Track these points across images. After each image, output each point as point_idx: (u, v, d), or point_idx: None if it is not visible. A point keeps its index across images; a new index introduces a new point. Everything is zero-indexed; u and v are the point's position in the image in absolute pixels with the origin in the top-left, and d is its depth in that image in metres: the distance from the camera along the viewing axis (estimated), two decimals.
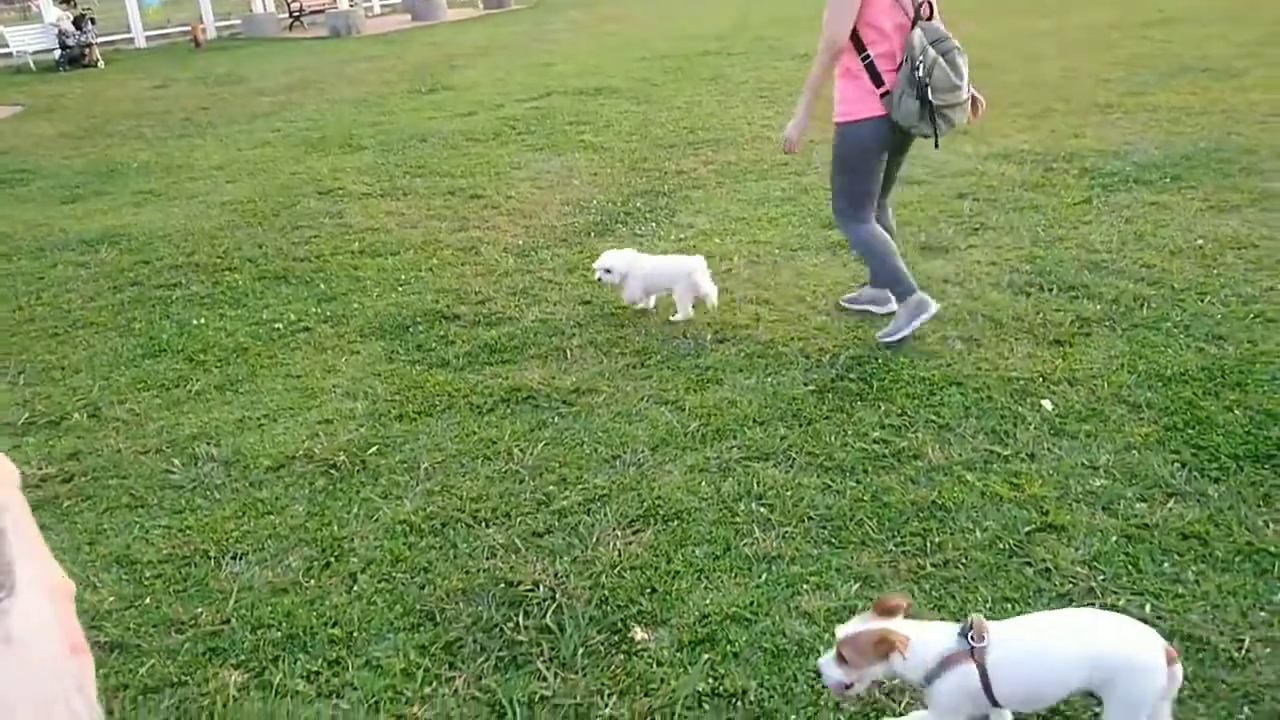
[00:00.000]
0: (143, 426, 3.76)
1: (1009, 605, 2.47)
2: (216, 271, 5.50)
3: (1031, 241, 5.05)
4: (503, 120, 9.33)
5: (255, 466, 3.39)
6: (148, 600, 2.70)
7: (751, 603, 2.53)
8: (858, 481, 3.07)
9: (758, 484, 3.08)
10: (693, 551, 2.75)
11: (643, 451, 3.29)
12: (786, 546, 2.76)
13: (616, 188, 6.88)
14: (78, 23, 17.21)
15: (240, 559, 2.88)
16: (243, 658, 2.46)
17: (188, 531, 3.04)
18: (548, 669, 2.34)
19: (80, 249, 6.11)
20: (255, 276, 5.38)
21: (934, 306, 3.94)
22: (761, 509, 2.95)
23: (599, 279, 4.48)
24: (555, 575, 2.66)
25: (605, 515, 2.93)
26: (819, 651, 2.36)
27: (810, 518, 2.90)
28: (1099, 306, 4.20)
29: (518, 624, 2.49)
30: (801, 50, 12.06)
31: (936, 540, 2.75)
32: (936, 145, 3.87)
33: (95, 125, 10.88)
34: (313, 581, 2.75)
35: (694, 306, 4.47)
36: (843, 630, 1.95)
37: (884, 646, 1.87)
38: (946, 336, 4.02)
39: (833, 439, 3.33)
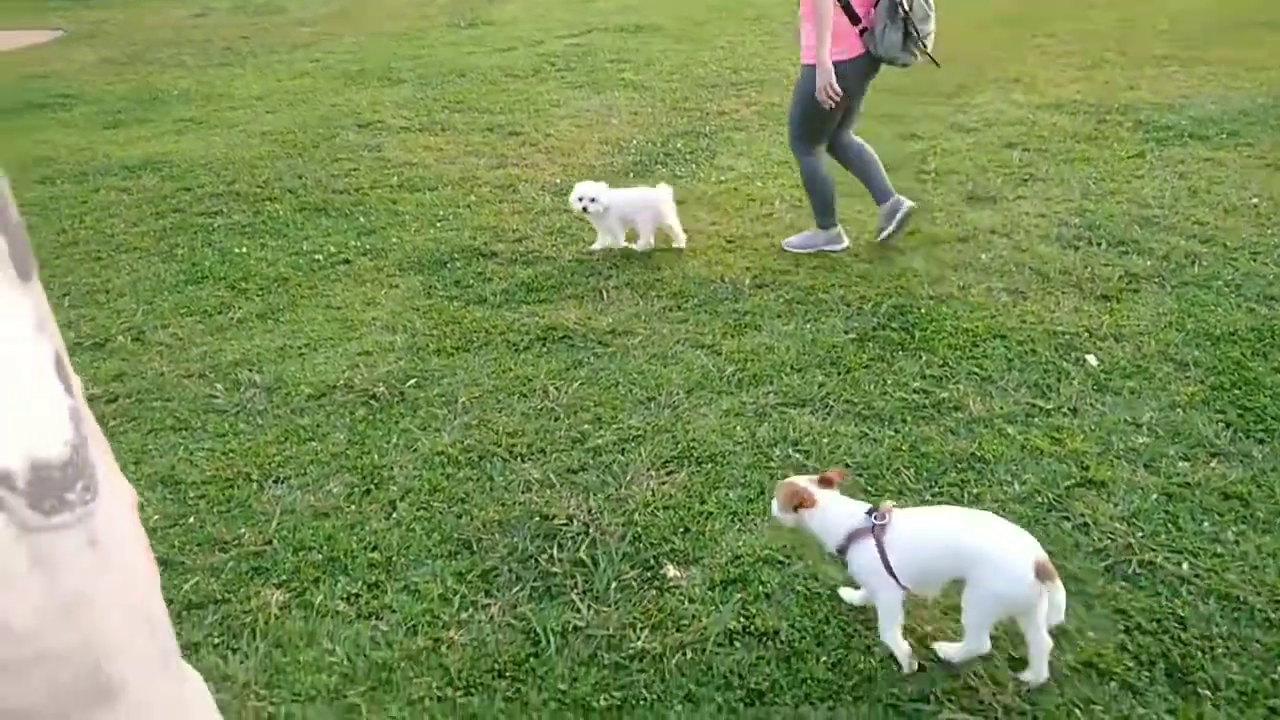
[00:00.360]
0: (185, 351, 3.82)
1: None
2: (257, 201, 5.52)
3: (1081, 194, 4.93)
4: (542, 57, 9.20)
5: (296, 394, 3.43)
6: (192, 519, 2.76)
7: (784, 546, 2.54)
8: (896, 431, 3.05)
9: (794, 430, 3.07)
10: (726, 494, 2.76)
11: (678, 394, 3.29)
12: None
13: (656, 128, 6.79)
14: None
15: (282, 483, 2.93)
16: (284, 578, 2.52)
17: (230, 455, 3.09)
18: (581, 600, 2.37)
19: (123, 174, 6.14)
20: (295, 207, 5.40)
21: (843, 244, 4.47)
22: (797, 455, 2.95)
23: (582, 209, 4.46)
24: (589, 511, 2.69)
25: (639, 455, 2.95)
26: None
27: (846, 465, 2.89)
28: (1149, 263, 4.11)
29: (552, 556, 2.52)
30: None
31: (974, 492, 2.74)
32: (906, 66, 4.10)
33: (136, 52, 10.87)
34: (353, 507, 2.80)
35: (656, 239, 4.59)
36: (786, 480, 2.28)
37: (794, 501, 2.19)
38: (992, 289, 3.96)
39: (871, 388, 3.30)
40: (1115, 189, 4.98)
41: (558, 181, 5.66)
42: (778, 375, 3.42)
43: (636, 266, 4.41)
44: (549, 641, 2.25)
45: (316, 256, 4.67)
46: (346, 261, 4.60)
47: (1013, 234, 4.48)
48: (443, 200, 5.40)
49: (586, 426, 3.11)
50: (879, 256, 4.40)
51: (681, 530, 2.61)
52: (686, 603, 2.37)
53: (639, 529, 2.61)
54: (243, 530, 2.70)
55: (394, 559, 2.56)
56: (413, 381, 3.44)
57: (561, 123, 6.99)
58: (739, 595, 2.38)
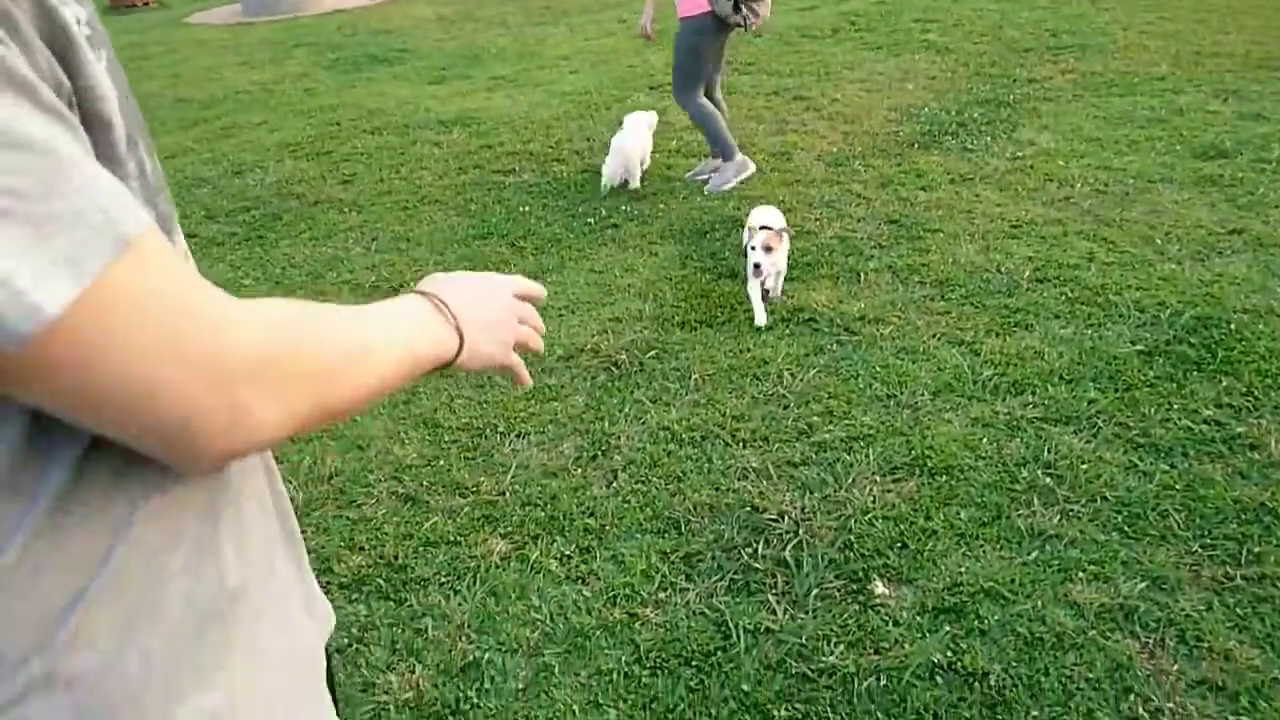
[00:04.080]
0: None
1: None
2: (546, 161, 5.84)
3: None
4: (844, 15, 8.88)
5: (549, 354, 3.62)
6: (442, 462, 3.02)
7: (1013, 580, 2.33)
8: (1172, 465, 2.68)
9: (1049, 450, 2.78)
10: (956, 513, 2.57)
11: (922, 394, 3.09)
12: (1068, 526, 2.49)
13: (954, 94, 6.34)
14: None
15: (523, 438, 3.12)
16: (509, 530, 2.69)
17: (484, 405, 3.34)
18: (778, 603, 2.32)
19: (438, 129, 6.74)
20: (579, 169, 5.65)
21: (751, 167, 5.14)
22: (1048, 479, 2.67)
23: None
24: (802, 510, 2.61)
25: (867, 457, 2.81)
26: (1081, 648, 2.14)
27: (1104, 498, 2.58)
28: None
29: (756, 551, 2.49)
30: None
31: (1255, 550, 2.34)
32: (746, 31, 4.84)
33: (467, 9, 11.82)
34: (579, 471, 2.92)
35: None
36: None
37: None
38: None
39: (1152, 411, 2.91)
40: None
41: (835, 150, 5.48)
42: (1042, 385, 3.11)
43: (902, 248, 4.18)
44: (739, 639, 2.23)
45: (589, 219, 4.87)
46: (615, 226, 4.76)
47: None
48: None
49: (815, 419, 3.01)
50: (1190, 256, 3.84)
51: (898, 545, 2.47)
52: (890, 625, 2.24)
53: (852, 537, 2.50)
54: (482, 479, 2.92)
55: (607, 527, 2.65)
56: (653, 352, 3.51)
57: (851, 87, 6.73)
58: (950, 627, 2.22)
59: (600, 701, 2.11)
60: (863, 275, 3.95)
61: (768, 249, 3.68)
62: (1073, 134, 5.41)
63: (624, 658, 2.23)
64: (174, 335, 0.56)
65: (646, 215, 4.85)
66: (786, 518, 2.58)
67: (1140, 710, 1.97)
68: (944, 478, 2.71)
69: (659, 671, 2.18)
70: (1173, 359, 3.17)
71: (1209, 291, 3.54)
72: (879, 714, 2.03)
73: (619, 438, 3.04)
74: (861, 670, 2.12)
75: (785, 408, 3.09)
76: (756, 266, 3.65)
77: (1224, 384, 3.00)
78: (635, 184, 5.21)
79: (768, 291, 3.81)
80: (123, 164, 0.61)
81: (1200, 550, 2.38)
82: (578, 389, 3.36)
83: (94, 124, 0.58)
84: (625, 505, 2.73)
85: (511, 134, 6.46)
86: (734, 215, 4.70)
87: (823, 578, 2.38)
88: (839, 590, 2.35)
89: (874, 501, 2.62)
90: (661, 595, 2.39)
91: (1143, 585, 2.28)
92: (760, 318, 3.66)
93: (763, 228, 3.76)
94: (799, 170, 5.24)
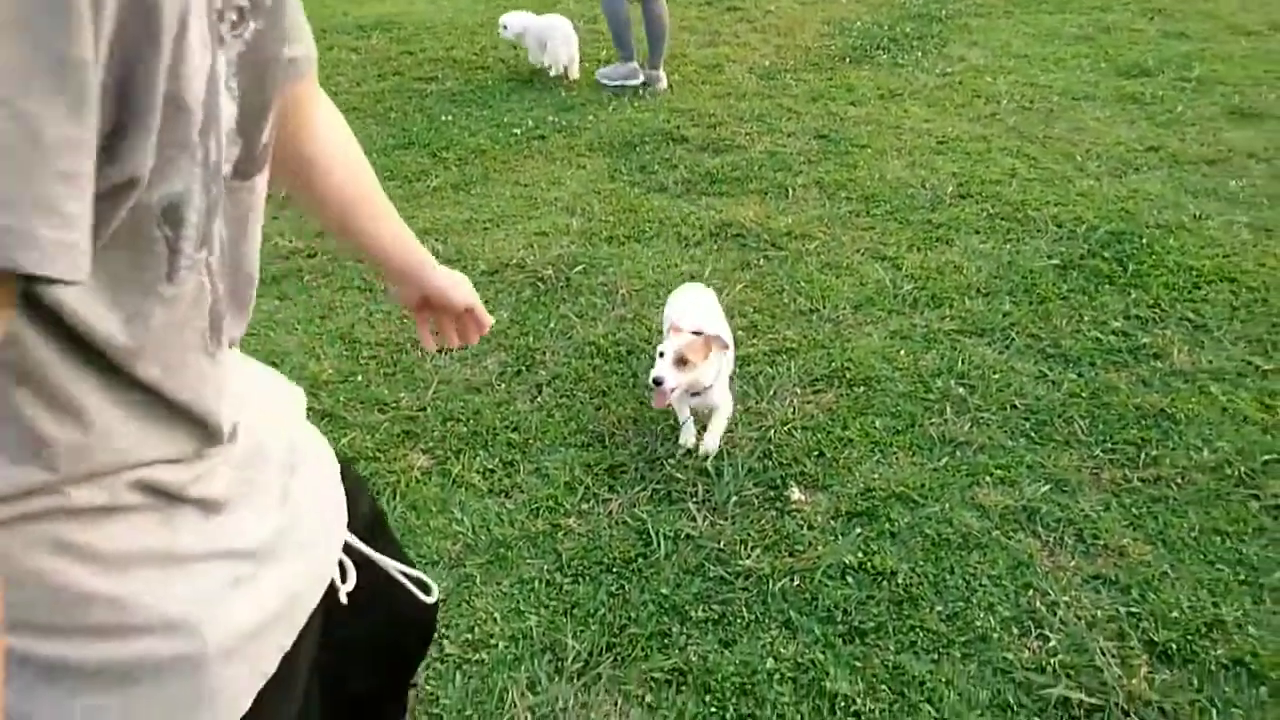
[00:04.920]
0: None
1: (1219, 538, 2.19)
2: (471, 69, 5.65)
3: None
4: None
5: (473, 268, 3.55)
6: (360, 378, 2.97)
7: (923, 485, 2.40)
8: (1079, 375, 2.77)
9: (963, 361, 2.85)
10: (872, 422, 2.62)
11: (844, 309, 3.13)
12: (978, 433, 2.57)
13: (887, 9, 6.30)
14: None
15: (444, 354, 3.07)
16: (431, 445, 2.67)
17: (404, 320, 3.27)
18: (698, 510, 2.36)
19: (356, 34, 6.46)
20: (504, 78, 5.49)
21: (639, 78, 5.13)
22: (960, 389, 2.74)
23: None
24: None
25: (788, 370, 2.84)
26: (985, 547, 2.23)
27: (1014, 406, 2.67)
28: None
29: (679, 461, 2.51)
30: None
31: (1153, 453, 2.45)
32: None
33: None
34: (503, 386, 2.90)
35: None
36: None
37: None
38: (1234, 222, 3.43)
39: (1063, 323, 3.00)
40: None
41: (767, 64, 5.41)
42: (959, 298, 3.17)
43: (830, 163, 4.17)
44: (659, 545, 2.27)
45: (515, 130, 4.75)
46: (542, 137, 4.65)
47: (1274, 159, 3.84)
48: None
49: (740, 333, 3.03)
50: (1109, 172, 3.92)
51: (815, 454, 2.52)
52: (805, 529, 2.30)
53: (771, 446, 2.54)
54: (402, 395, 2.88)
55: (531, 441, 2.65)
56: (580, 267, 3.47)
57: None
58: (861, 530, 2.28)
59: (521, 608, 2.14)
60: (791, 190, 3.94)
61: (681, 361, 2.38)
62: (1002, 50, 5.43)
63: (546, 566, 2.25)
64: None
65: (574, 127, 4.74)
66: None
67: (1038, 604, 2.07)
68: (862, 388, 2.76)
69: (580, 578, 2.21)
70: (1086, 273, 3.25)
71: (1124, 207, 3.63)
72: (791, 612, 2.09)
73: (544, 353, 3.02)
74: (776, 571, 2.18)
75: None
76: (657, 382, 2.36)
77: (1133, 296, 3.10)
78: (575, 74, 5.31)
79: (695, 414, 2.59)
80: (193, 149, 0.63)
81: (1101, 454, 2.48)
82: (503, 304, 3.31)
83: (171, 106, 0.59)
84: (549, 419, 2.72)
85: (434, 40, 6.22)
86: (664, 128, 4.63)
87: (742, 486, 2.42)
88: (757, 497, 2.39)
89: (794, 412, 2.66)
90: (584, 506, 2.41)
91: (1046, 488, 2.38)
92: (686, 435, 2.54)
93: (675, 330, 2.46)
94: (730, 83, 5.17)
